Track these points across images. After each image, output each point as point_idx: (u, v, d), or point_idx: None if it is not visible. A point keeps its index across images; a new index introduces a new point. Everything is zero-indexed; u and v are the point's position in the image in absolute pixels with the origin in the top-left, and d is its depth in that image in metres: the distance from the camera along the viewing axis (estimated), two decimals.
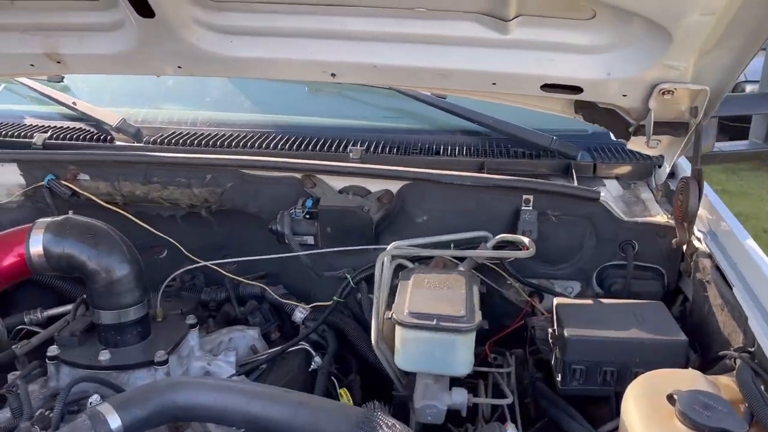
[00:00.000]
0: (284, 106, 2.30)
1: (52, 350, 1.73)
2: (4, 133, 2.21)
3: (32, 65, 1.94)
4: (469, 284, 1.63)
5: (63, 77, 2.36)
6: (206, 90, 2.34)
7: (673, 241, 1.80)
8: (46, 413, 1.54)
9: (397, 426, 1.29)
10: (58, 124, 2.24)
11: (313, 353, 1.97)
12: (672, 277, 1.94)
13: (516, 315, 1.97)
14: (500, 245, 1.85)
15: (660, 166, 2.11)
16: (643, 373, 1.37)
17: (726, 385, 1.33)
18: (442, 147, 2.11)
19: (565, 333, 1.54)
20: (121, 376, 1.71)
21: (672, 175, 2.10)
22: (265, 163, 2.02)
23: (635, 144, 1.89)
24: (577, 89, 1.76)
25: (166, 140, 2.14)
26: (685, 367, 1.53)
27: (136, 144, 2.14)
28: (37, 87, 2.27)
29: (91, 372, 1.65)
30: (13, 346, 1.85)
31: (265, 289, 2.12)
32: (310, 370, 1.94)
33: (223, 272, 2.13)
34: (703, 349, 1.65)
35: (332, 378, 1.93)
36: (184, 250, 2.12)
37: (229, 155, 2.05)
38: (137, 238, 2.14)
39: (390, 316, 1.50)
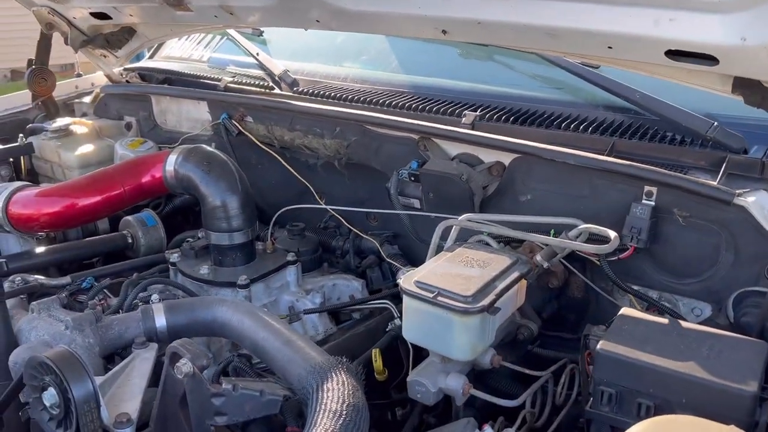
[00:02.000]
0: (432, 68, 2.25)
1: (174, 258, 2.03)
2: (207, 75, 2.61)
3: (216, 16, 2.25)
4: (508, 269, 1.43)
5: (262, 31, 2.68)
6: (363, 49, 2.42)
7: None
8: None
9: (348, 386, 1.24)
10: (245, 71, 2.56)
11: (396, 315, 1.95)
12: None
13: None
14: (591, 239, 1.59)
15: None
16: None
17: None
18: (570, 120, 1.86)
19: (598, 345, 1.27)
20: (212, 290, 1.93)
21: None
22: (383, 121, 2.03)
23: None
24: (710, 59, 1.40)
25: (313, 92, 2.29)
26: (751, 426, 1.15)
27: (286, 93, 2.34)
28: (238, 38, 2.60)
29: (158, 278, 1.90)
30: (166, 252, 2.22)
31: (377, 245, 2.16)
32: (386, 330, 1.93)
33: (344, 221, 2.23)
34: None
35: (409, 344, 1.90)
36: (315, 194, 2.27)
37: (357, 110, 2.10)
38: (288, 179, 2.37)
39: (398, 282, 1.42)
